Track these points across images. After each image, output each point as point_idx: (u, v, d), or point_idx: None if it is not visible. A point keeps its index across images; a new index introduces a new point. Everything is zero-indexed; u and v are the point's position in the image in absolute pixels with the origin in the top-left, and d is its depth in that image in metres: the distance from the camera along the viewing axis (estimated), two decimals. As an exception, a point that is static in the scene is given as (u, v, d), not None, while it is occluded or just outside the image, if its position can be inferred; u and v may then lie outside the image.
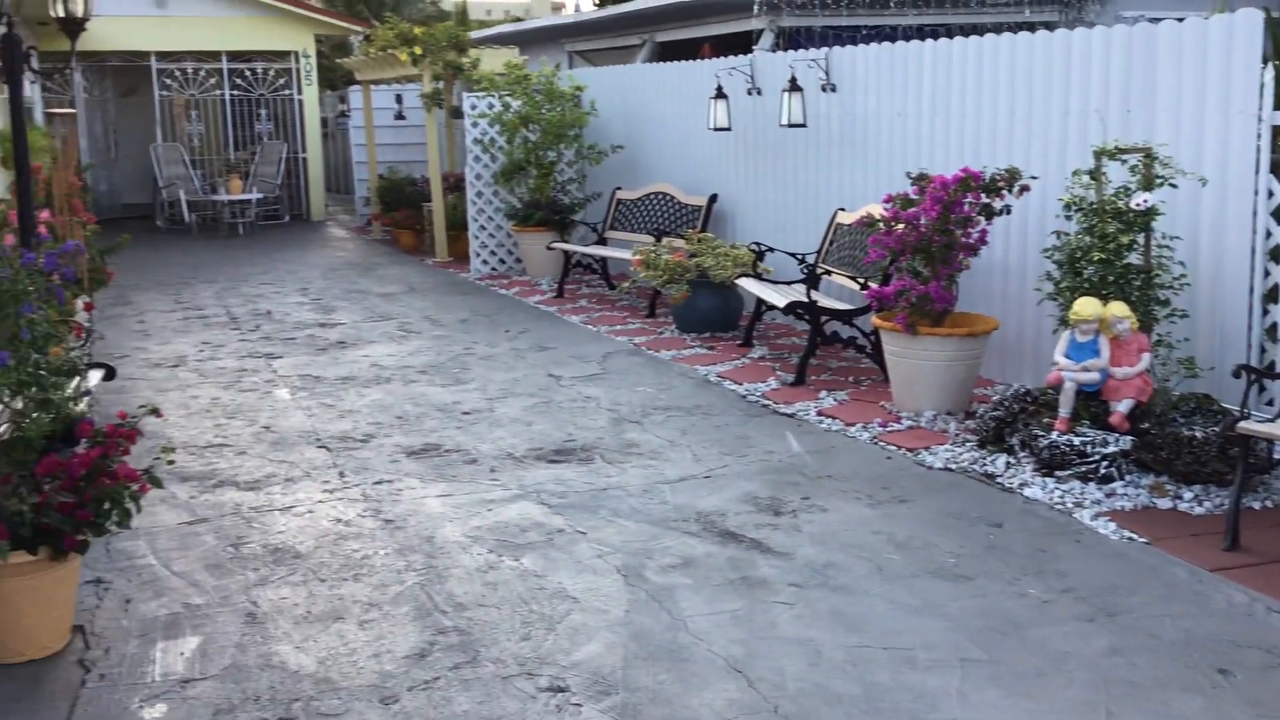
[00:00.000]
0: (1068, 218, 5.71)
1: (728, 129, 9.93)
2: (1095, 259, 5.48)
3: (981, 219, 6.40)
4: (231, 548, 4.95)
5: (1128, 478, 5.34)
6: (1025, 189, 6.30)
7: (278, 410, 7.32)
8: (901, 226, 6.42)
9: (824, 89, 9.01)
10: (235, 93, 19.90)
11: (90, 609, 4.32)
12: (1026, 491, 5.39)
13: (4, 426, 4.08)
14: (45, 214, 7.48)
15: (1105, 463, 5.31)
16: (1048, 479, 5.43)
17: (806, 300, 7.57)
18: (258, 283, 13.01)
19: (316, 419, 7.09)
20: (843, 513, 5.27)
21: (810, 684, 3.72)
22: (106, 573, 4.66)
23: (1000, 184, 6.29)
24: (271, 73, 20.04)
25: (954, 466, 5.81)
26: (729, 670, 3.81)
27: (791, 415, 6.94)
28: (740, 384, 7.71)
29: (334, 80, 25.57)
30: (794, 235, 9.57)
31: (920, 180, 6.61)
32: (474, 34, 19.77)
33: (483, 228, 13.17)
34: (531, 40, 18.51)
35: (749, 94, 9.95)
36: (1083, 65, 6.66)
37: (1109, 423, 5.45)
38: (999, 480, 5.57)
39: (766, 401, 7.25)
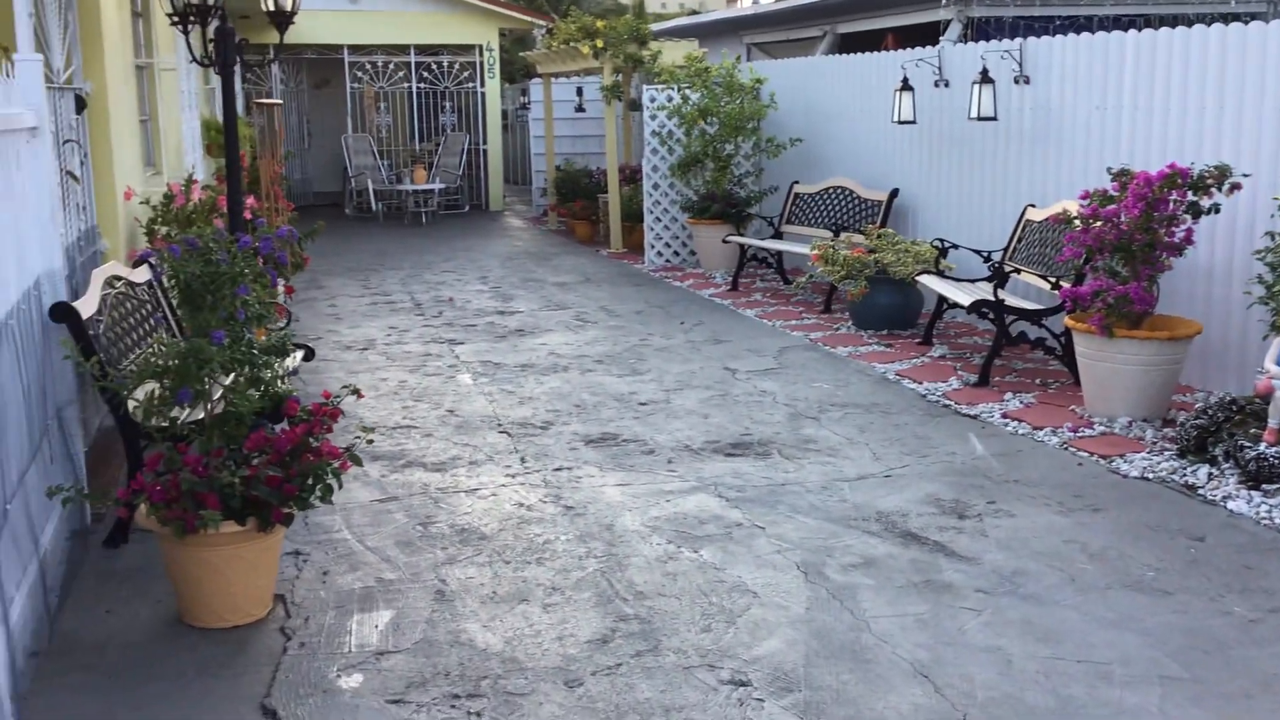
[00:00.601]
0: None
1: (912, 122, 9.72)
2: (1315, 261, 5.15)
3: (1187, 218, 6.09)
4: (420, 526, 5.11)
5: (1345, 495, 5.01)
6: (1236, 187, 5.96)
7: (461, 395, 7.51)
8: (1100, 224, 6.16)
9: (1016, 81, 8.72)
10: (421, 85, 20.53)
11: (290, 579, 4.52)
12: (1230, 505, 5.11)
13: (218, 402, 4.30)
14: (250, 200, 7.85)
15: (1320, 478, 4.99)
16: (1254, 492, 5.14)
17: (994, 299, 7.35)
18: (440, 270, 13.40)
19: (497, 404, 7.25)
20: (1031, 519, 5.10)
21: (1000, 694, 3.61)
22: (305, 545, 4.87)
23: (1209, 181, 5.97)
24: (456, 66, 20.60)
25: (1151, 476, 5.55)
26: (915, 674, 3.73)
27: (974, 417, 6.75)
28: (920, 383, 7.54)
29: (513, 73, 26.15)
30: (978, 232, 9.30)
31: (1121, 176, 6.33)
32: (652, 27, 19.93)
33: (658, 220, 13.25)
34: (709, 33, 18.51)
35: (935, 86, 9.71)
36: (1304, 55, 6.27)
37: (1325, 436, 5.12)
38: (1200, 492, 5.29)
39: (948, 402, 7.08)
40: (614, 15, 25.45)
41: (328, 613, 4.24)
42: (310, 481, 4.10)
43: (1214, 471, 5.41)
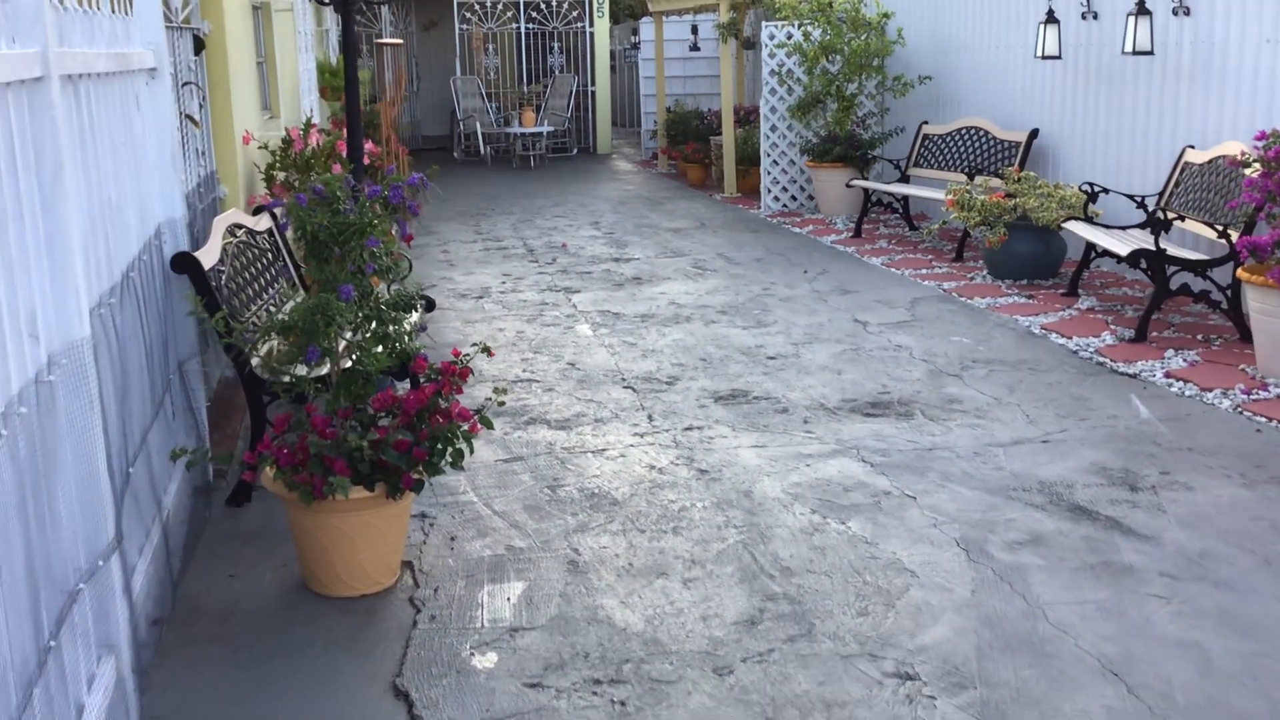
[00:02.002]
0: None
1: (1057, 57, 9.10)
2: None
3: (1388, 159, 5.50)
4: (548, 489, 4.87)
5: None
6: None
7: (581, 347, 7.25)
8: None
9: (1175, 12, 8.06)
10: (530, 26, 20.21)
11: (417, 545, 4.32)
12: None
13: (344, 357, 4.08)
14: (369, 146, 7.64)
15: None
16: None
17: (1154, 248, 6.80)
18: (551, 215, 13.14)
19: (620, 357, 6.97)
20: (1211, 493, 4.65)
21: (1203, 697, 3.23)
22: (430, 508, 4.66)
23: None
24: (565, 5, 20.21)
25: (1344, 447, 5.05)
26: (1103, 672, 3.36)
27: (1134, 376, 6.26)
28: (1069, 338, 7.05)
29: (618, 13, 25.66)
30: (1129, 175, 8.69)
31: (1308, 114, 5.74)
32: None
33: (775, 163, 12.78)
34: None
35: (1083, 18, 9.06)
36: None
37: None
38: (1404, 466, 4.78)
39: (1102, 359, 6.59)
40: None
41: (458, 582, 4.02)
42: (440, 446, 3.86)
43: None
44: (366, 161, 7.22)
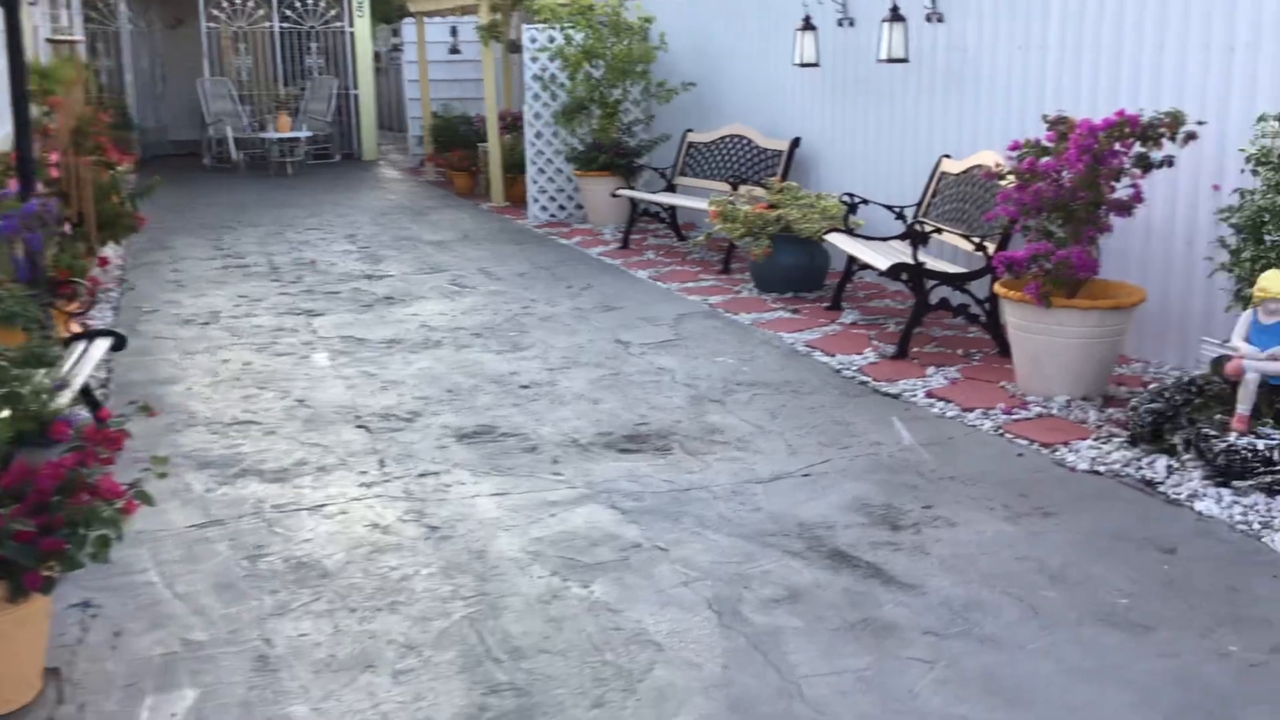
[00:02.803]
0: (1254, 172, 4.71)
1: (815, 64, 8.92)
2: (1289, 223, 4.49)
3: (1136, 172, 5.40)
4: (247, 561, 4.18)
5: (1327, 493, 4.39)
6: (1192, 136, 5.27)
7: (314, 379, 6.53)
8: (1038, 181, 5.44)
9: (929, 19, 7.97)
10: (285, 25, 19.10)
11: (72, 643, 3.57)
12: (1199, 505, 4.46)
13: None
14: (54, 156, 6.70)
15: (1299, 473, 4.37)
16: (1223, 490, 4.50)
17: (913, 262, 6.62)
18: (304, 228, 12.25)
19: (357, 391, 6.30)
20: (975, 528, 4.38)
21: (970, 787, 2.87)
22: (99, 592, 3.90)
23: (1161, 130, 5.28)
24: (322, 3, 19.19)
25: (1103, 469, 4.88)
26: (863, 763, 2.96)
27: (896, 396, 6.03)
28: (833, 355, 6.80)
29: (388, 12, 24.67)
30: (888, 185, 8.58)
31: (1059, 125, 5.62)
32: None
33: (541, 171, 12.28)
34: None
35: (840, 25, 8.92)
36: (1257, -12, 5.60)
37: (1302, 424, 4.50)
38: (1161, 489, 4.63)
39: (865, 378, 6.35)
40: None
41: (113, 694, 3.30)
42: (81, 532, 3.14)
43: (1174, 464, 4.76)
44: (56, 174, 6.31)
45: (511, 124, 14.24)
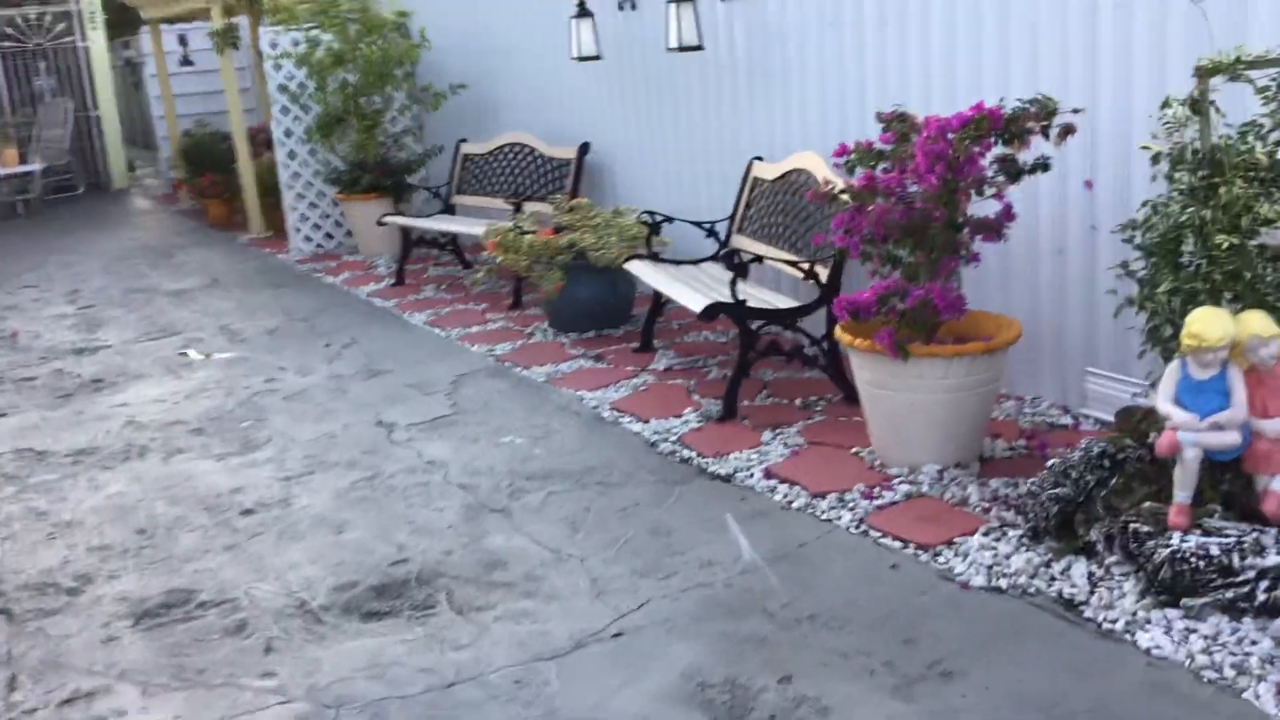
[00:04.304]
0: (1169, 177, 3.56)
1: (597, 57, 7.56)
2: (1219, 242, 3.35)
3: (1003, 181, 4.22)
4: None
5: (1304, 606, 3.28)
6: (1069, 131, 4.10)
7: (-41, 530, 4.85)
8: (880, 199, 4.21)
9: (722, -4, 6.71)
10: (6, 45, 16.71)
11: None
12: (1144, 639, 3.28)
13: None
14: None
15: (1265, 583, 3.24)
16: (1171, 611, 3.35)
17: (733, 300, 5.33)
18: (17, 285, 10.29)
19: (11, 545, 4.65)
20: (856, 714, 3.11)
21: None
22: None
23: (1029, 124, 4.09)
24: (49, 18, 16.87)
25: (1005, 583, 3.68)
26: None
27: (728, 478, 4.75)
28: (646, 421, 5.48)
29: (135, 21, 22.21)
30: (695, 195, 7.31)
31: (897, 124, 4.40)
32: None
33: (300, 196, 10.61)
34: (354, -39, 15.65)
35: (620, 9, 7.59)
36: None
37: (1260, 509, 3.38)
38: (1088, 614, 3.45)
39: (688, 452, 5.05)
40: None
41: None
42: None
43: (1096, 570, 3.60)
44: None
45: (269, 141, 12.47)
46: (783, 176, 6.16)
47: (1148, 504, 3.54)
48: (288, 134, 10.40)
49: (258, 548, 4.46)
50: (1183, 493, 3.43)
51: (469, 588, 4.00)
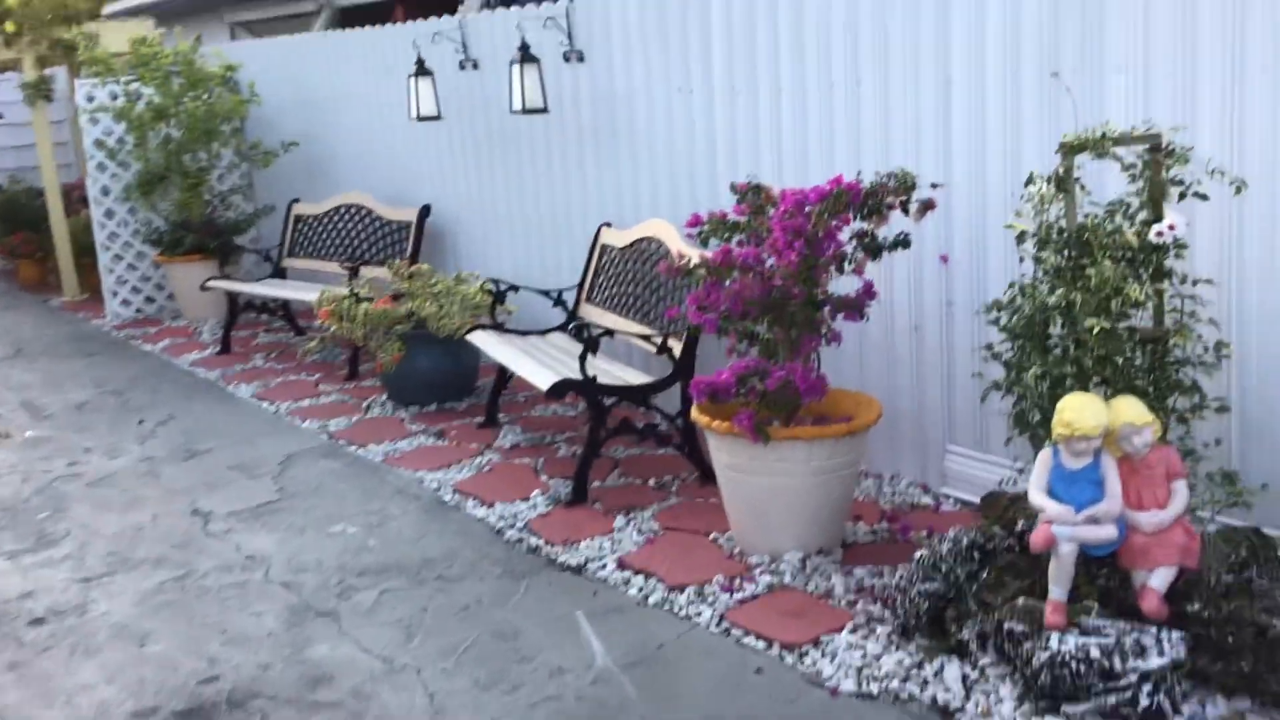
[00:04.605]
0: (1036, 259, 3.42)
1: (437, 117, 7.22)
2: (1089, 325, 3.22)
3: (863, 258, 4.04)
4: None
5: (1186, 709, 3.12)
6: (929, 206, 3.96)
7: None
8: (738, 274, 3.98)
9: (567, 58, 6.47)
10: None
11: None
12: (1026, 749, 3.09)
13: None
14: None
15: (1149, 687, 3.08)
16: (1050, 717, 3.15)
17: (583, 377, 5.03)
18: None
19: None
20: None
21: None
22: None
23: (887, 198, 3.94)
24: None
25: (875, 687, 3.43)
26: None
27: (579, 569, 4.42)
28: (491, 504, 5.12)
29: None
30: (542, 260, 7.02)
31: (752, 195, 4.20)
32: (113, 6, 16.11)
33: (118, 257, 9.91)
34: (185, 11, 15.01)
35: (461, 68, 7.29)
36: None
37: (1138, 606, 3.23)
38: (965, 721, 3.24)
39: (535, 539, 4.70)
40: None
41: None
42: None
43: (970, 672, 3.39)
44: None
45: (85, 197, 11.70)
46: (633, 244, 5.93)
47: (1021, 600, 3.35)
48: (105, 191, 9.72)
49: (47, 665, 3.92)
50: (1058, 589, 3.25)
51: (288, 710, 3.55)
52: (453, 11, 7.98)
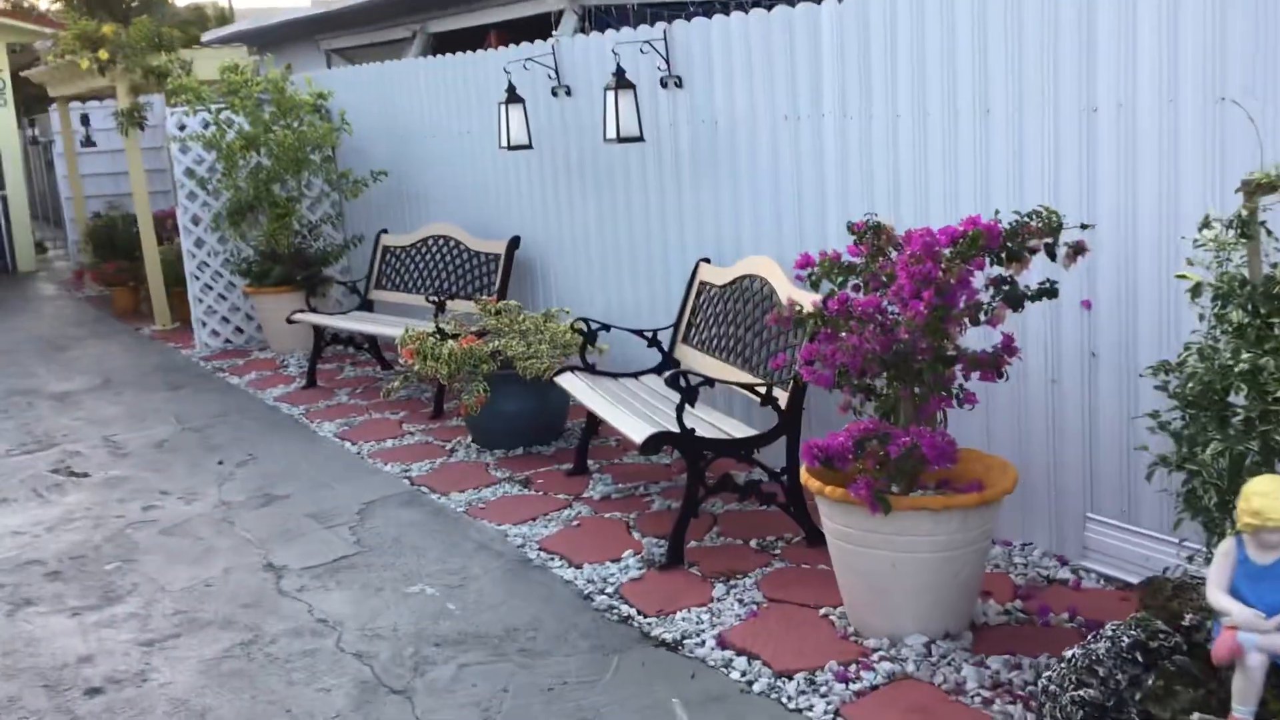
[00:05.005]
0: (1217, 316, 2.93)
1: (528, 146, 6.91)
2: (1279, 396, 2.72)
3: (1001, 308, 3.57)
4: None
5: None
6: (1080, 250, 3.48)
7: None
8: (855, 324, 3.55)
9: (665, 84, 6.11)
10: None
11: None
12: None
13: None
14: None
15: (1362, 833, 2.56)
16: None
17: (680, 430, 4.63)
18: (-114, 385, 9.30)
19: None
20: None
21: None
22: None
23: (1031, 241, 3.47)
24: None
25: (1022, 812, 2.97)
26: None
27: (675, 646, 4.01)
28: (579, 565, 4.74)
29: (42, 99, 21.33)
30: (635, 297, 6.65)
31: (873, 236, 3.77)
32: (209, 34, 16.26)
33: (208, 287, 9.80)
34: (280, 39, 15.05)
35: (554, 95, 6.97)
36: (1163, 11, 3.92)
37: (1342, 730, 2.72)
38: None
39: (628, 609, 4.30)
40: (191, 26, 21.31)
41: None
42: None
43: (1137, 798, 2.90)
44: None
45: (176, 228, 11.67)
46: (733, 283, 5.53)
47: (1196, 715, 2.85)
48: (195, 221, 9.62)
49: (98, 745, 3.63)
50: (1244, 707, 2.75)
51: (354, 809, 3.20)
52: (546, 38, 7.67)
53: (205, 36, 15.96)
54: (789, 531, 4.90)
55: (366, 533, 5.33)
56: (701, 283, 5.87)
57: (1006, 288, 3.51)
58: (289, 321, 8.45)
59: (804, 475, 3.95)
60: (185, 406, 7.98)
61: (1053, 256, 3.43)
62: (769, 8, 5.50)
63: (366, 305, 8.55)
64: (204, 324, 9.83)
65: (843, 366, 3.58)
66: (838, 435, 3.62)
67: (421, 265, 8.16)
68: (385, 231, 8.63)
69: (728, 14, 5.73)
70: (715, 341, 5.55)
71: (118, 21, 11.98)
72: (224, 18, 27.38)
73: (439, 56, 8.28)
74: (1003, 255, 3.46)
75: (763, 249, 5.57)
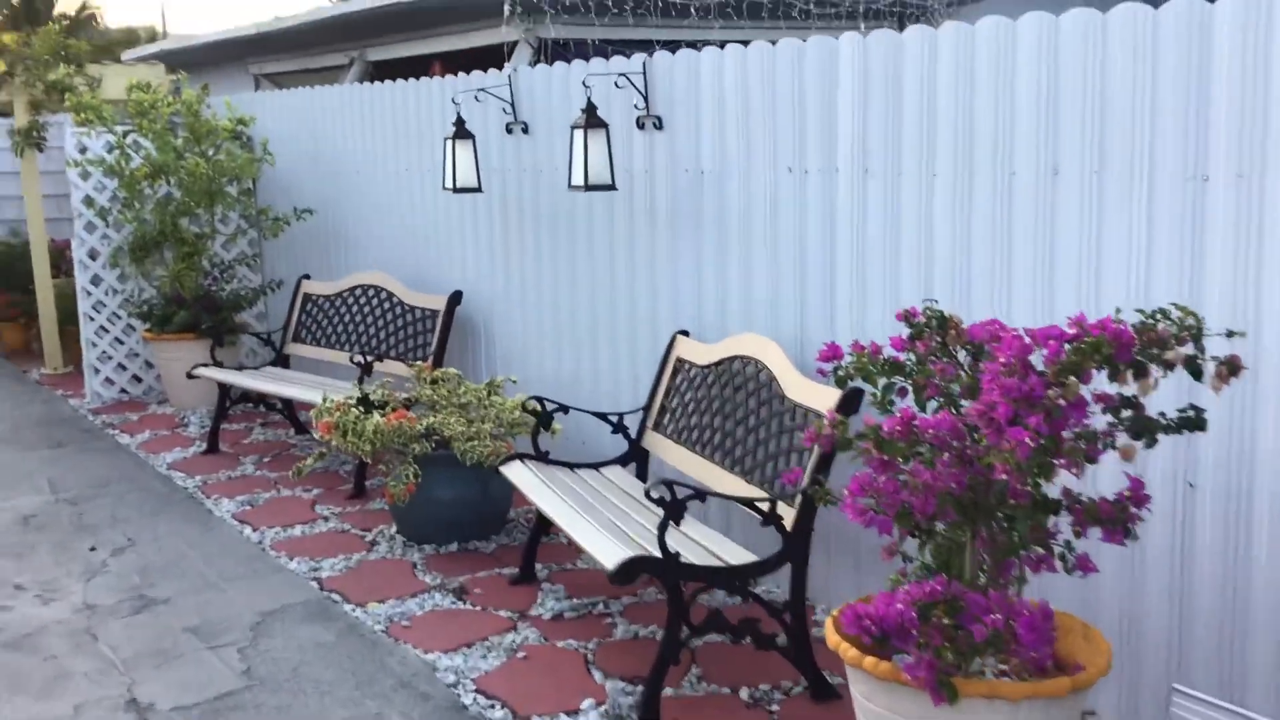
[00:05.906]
0: None
1: (477, 189, 5.97)
2: None
3: (1126, 440, 2.68)
4: None
5: None
6: (1235, 368, 2.60)
7: None
8: (926, 450, 2.64)
9: (641, 124, 5.22)
10: None
11: None
12: None
13: None
14: None
15: None
16: None
17: (663, 554, 3.67)
18: None
19: None
20: None
21: None
22: None
23: (1167, 351, 2.59)
24: None
25: None
26: None
27: None
28: (526, 719, 3.75)
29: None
30: (597, 369, 5.71)
31: (936, 329, 2.88)
32: (130, 52, 15.14)
33: (104, 330, 8.67)
34: (207, 60, 13.96)
35: (509, 132, 6.05)
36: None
37: None
38: None
39: (589, 793, 3.34)
40: (121, 46, 20.14)
41: None
42: None
43: None
44: None
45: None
46: (719, 363, 4.63)
47: None
48: (92, 255, 8.52)
49: None
50: None
51: None
52: (498, 69, 6.75)
53: (125, 55, 14.84)
54: (787, 679, 3.96)
55: (260, 658, 4.30)
56: (679, 360, 4.95)
57: (1129, 413, 2.62)
58: (189, 376, 7.35)
59: (832, 636, 3.01)
60: (64, 470, 6.86)
61: (1197, 374, 2.56)
62: (745, 45, 4.66)
63: (282, 360, 7.50)
64: (97, 371, 8.68)
65: (905, 506, 2.67)
66: (889, 599, 2.70)
67: (348, 318, 7.15)
68: (307, 277, 7.60)
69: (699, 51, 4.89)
70: (696, 434, 4.63)
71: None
72: (156, 39, 26.19)
73: (377, 84, 7.32)
74: (1122, 368, 2.58)
75: (756, 325, 4.68)
